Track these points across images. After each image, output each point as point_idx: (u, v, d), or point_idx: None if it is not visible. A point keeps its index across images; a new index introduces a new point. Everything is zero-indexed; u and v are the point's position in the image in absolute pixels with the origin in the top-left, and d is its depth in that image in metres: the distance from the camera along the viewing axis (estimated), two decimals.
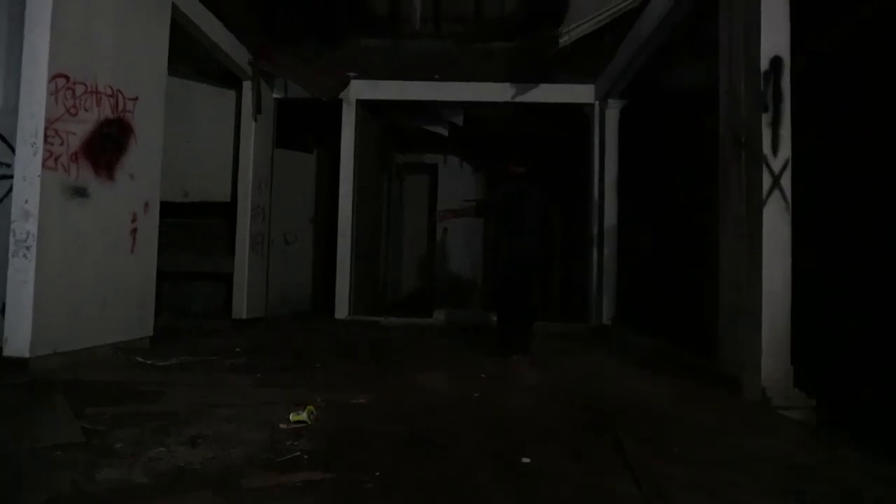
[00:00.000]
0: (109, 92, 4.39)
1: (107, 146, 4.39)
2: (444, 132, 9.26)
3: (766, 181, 3.66)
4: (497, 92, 7.64)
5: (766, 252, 3.61)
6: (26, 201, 3.76)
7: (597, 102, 7.69)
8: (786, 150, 3.68)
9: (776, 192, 3.66)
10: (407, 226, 11.88)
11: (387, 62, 7.53)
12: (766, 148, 3.67)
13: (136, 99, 4.68)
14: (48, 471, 2.11)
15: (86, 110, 4.15)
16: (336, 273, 7.77)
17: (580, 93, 7.69)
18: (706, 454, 2.59)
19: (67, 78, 3.95)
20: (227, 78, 7.34)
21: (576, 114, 8.05)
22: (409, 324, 7.47)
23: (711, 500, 2.07)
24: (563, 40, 5.40)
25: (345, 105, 7.73)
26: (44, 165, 3.78)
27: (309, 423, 2.80)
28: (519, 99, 7.61)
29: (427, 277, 11.74)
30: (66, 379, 3.55)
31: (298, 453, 2.38)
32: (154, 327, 5.06)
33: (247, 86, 7.22)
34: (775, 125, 3.68)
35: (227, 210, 7.39)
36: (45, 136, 3.80)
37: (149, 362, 4.24)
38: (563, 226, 9.08)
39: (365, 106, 8.02)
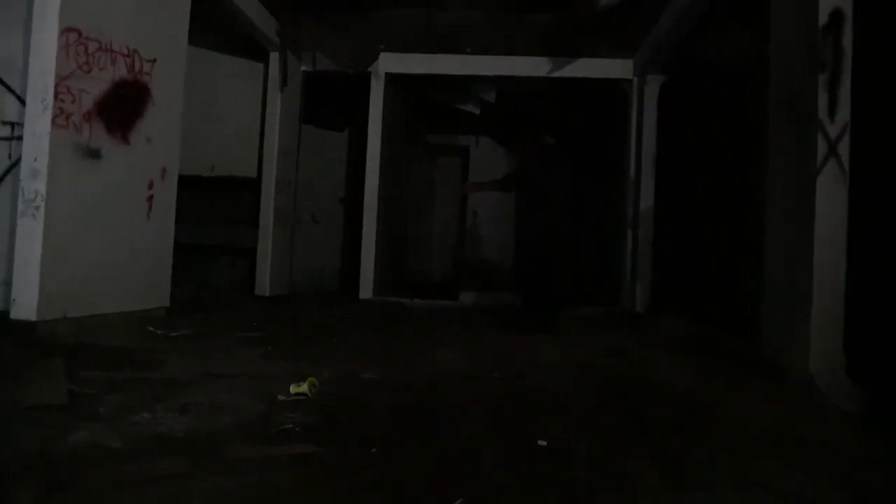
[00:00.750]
0: (125, 52, 4.25)
1: (122, 108, 4.26)
2: (476, 111, 8.97)
3: (822, 148, 3.30)
4: (531, 66, 7.32)
5: (818, 225, 3.26)
6: (35, 159, 3.65)
7: (635, 78, 7.30)
8: (844, 115, 3.31)
9: (832, 161, 3.31)
10: (438, 209, 11.64)
11: (417, 34, 7.29)
12: (822, 112, 3.31)
13: (153, 61, 4.55)
14: (19, 431, 1.96)
15: (100, 69, 4.02)
16: (361, 255, 7.60)
17: (618, 68, 7.31)
18: (739, 438, 2.31)
19: (79, 33, 3.82)
20: (254, 50, 7.21)
21: (612, 91, 7.68)
22: (435, 306, 7.26)
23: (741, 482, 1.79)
24: (603, 3, 5.05)
25: (373, 78, 7.51)
26: (54, 123, 3.66)
27: (310, 395, 2.61)
28: (554, 74, 7.28)
29: (456, 262, 11.50)
30: (71, 343, 3.44)
31: (291, 425, 2.19)
32: (172, 299, 4.95)
33: (274, 57, 7.06)
34: (833, 87, 3.31)
35: (254, 185, 7.28)
36: (56, 93, 3.67)
37: (159, 332, 4.13)
38: (595, 207, 8.72)
39: (394, 80, 7.78)
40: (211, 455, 1.85)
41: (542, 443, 2.12)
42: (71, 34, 3.76)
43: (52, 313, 3.70)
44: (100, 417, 2.16)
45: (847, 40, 3.31)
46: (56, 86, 3.68)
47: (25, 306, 3.60)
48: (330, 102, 8.66)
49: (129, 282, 4.41)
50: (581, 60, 7.24)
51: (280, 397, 2.55)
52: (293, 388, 2.63)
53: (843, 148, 3.31)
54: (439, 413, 2.54)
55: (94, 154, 4.01)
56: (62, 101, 3.72)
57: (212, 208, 7.40)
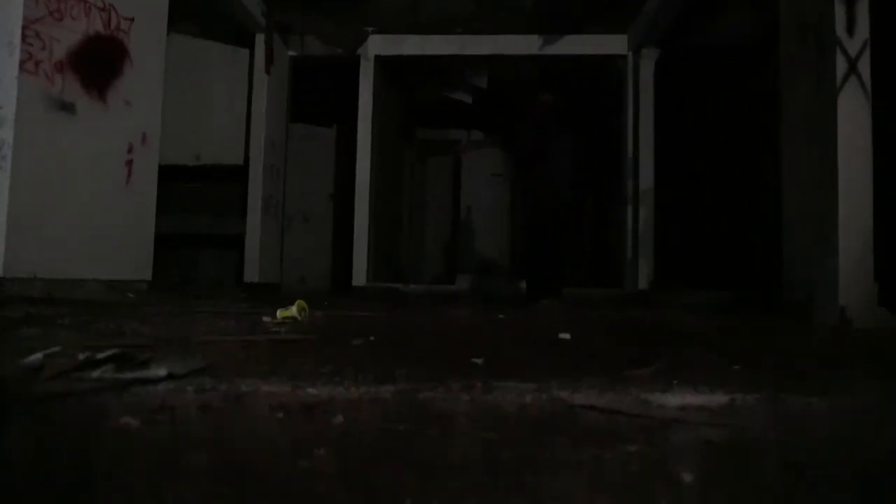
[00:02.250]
0: (101, 5, 4.04)
1: (98, 64, 4.04)
2: (468, 99, 8.82)
3: (841, 66, 3.11)
4: (522, 45, 7.18)
5: (841, 148, 3.06)
6: (1, 106, 3.41)
7: (630, 53, 7.16)
8: (863, 31, 3.13)
9: (853, 79, 3.12)
10: (430, 205, 11.43)
11: (406, 15, 7.14)
12: (840, 29, 3.13)
13: (132, 20, 4.33)
14: None
15: (73, 18, 3.80)
16: (354, 240, 7.36)
17: (612, 44, 7.17)
18: (763, 347, 2.06)
19: None
20: (240, 35, 7.03)
21: (607, 69, 7.54)
22: (431, 290, 7.01)
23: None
24: None
25: (363, 61, 7.34)
26: (21, 68, 3.43)
27: (299, 318, 2.35)
28: (546, 51, 7.13)
29: (451, 259, 11.25)
30: (40, 297, 3.17)
31: (275, 330, 1.93)
32: (157, 280, 4.69)
33: (259, 39, 6.88)
34: (850, 2, 3.14)
35: (241, 172, 7.05)
36: (24, 36, 3.45)
37: (135, 296, 3.86)
38: (595, 187, 8.53)
39: (384, 66, 7.61)
40: (182, 339, 1.58)
41: (565, 336, 1.87)
42: None
43: (21, 271, 3.42)
44: (64, 326, 1.89)
45: None
46: (24, 28, 3.45)
47: None
48: (318, 96, 8.49)
49: (107, 248, 4.13)
50: (572, 37, 7.11)
51: (265, 318, 2.29)
52: (280, 313, 2.37)
53: (864, 65, 3.12)
54: (433, 331, 2.28)
55: (67, 108, 3.77)
56: (30, 45, 3.50)
57: (198, 198, 7.15)
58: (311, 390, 1.02)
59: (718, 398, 1.04)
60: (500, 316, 3.11)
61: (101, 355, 1.12)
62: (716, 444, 0.76)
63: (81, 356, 1.11)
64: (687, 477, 0.63)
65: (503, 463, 0.66)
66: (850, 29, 3.13)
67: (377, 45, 7.33)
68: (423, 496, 0.57)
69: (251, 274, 6.69)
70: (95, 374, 1.02)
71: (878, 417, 0.95)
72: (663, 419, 0.87)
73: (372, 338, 1.80)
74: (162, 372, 1.07)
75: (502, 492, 0.59)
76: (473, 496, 0.58)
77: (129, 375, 1.04)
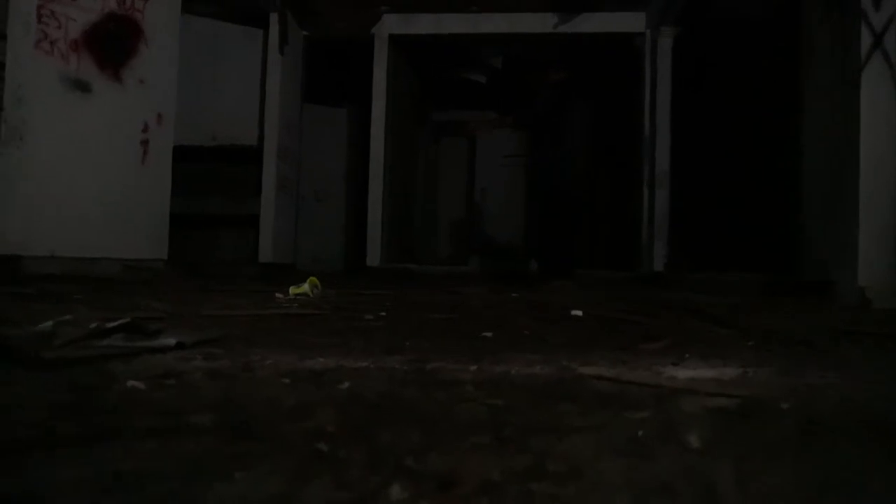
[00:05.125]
0: None
1: (112, 42, 4.04)
2: (482, 79, 8.74)
3: (866, 40, 3.03)
4: (538, 23, 7.07)
5: (864, 123, 2.99)
6: (19, 86, 3.43)
7: (648, 31, 7.02)
8: (891, 4, 3.04)
9: (878, 54, 3.03)
10: (443, 186, 11.38)
11: None
12: (866, 2, 3.04)
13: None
14: None
15: None
16: (367, 221, 7.37)
17: (629, 21, 7.03)
18: (778, 324, 2.03)
19: None
20: (253, 15, 7.01)
21: (625, 48, 7.40)
22: (444, 271, 7.00)
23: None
24: None
25: (377, 41, 7.28)
26: (37, 47, 3.45)
27: (311, 295, 2.36)
28: (562, 29, 7.01)
29: (464, 242, 11.22)
30: (53, 275, 3.20)
31: (286, 305, 1.93)
32: (174, 260, 4.73)
33: (273, 18, 6.84)
34: None
35: (255, 153, 7.07)
36: (39, 16, 3.46)
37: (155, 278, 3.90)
38: (610, 168, 8.44)
39: (398, 45, 7.55)
40: (194, 313, 1.59)
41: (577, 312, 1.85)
42: None
43: (39, 249, 3.46)
44: (79, 301, 1.91)
45: None
46: (39, 8, 3.46)
47: (10, 239, 3.37)
48: (332, 76, 8.45)
49: (124, 227, 4.17)
50: (589, 14, 6.98)
51: (278, 295, 2.30)
52: (293, 290, 2.38)
53: (891, 39, 3.03)
54: (445, 308, 2.28)
55: (82, 87, 3.78)
56: (45, 24, 3.51)
57: (214, 178, 7.18)
58: (319, 359, 1.02)
59: (731, 371, 1.02)
60: (513, 295, 3.10)
61: (111, 324, 1.13)
62: (727, 410, 0.75)
63: (92, 325, 1.12)
64: (695, 442, 0.62)
65: (509, 426, 0.65)
66: (877, 1, 3.04)
67: (391, 24, 7.27)
68: (426, 455, 0.57)
69: (266, 254, 6.73)
70: (105, 342, 1.03)
71: (886, 384, 0.94)
72: (673, 388, 0.85)
73: (383, 313, 1.80)
74: (171, 341, 1.08)
75: (507, 452, 0.59)
76: (477, 456, 0.58)
77: (138, 344, 1.05)
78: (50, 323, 1.05)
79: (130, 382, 0.76)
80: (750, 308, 2.73)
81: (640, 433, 0.64)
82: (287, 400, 0.72)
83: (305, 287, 2.37)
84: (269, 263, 6.63)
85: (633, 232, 7.21)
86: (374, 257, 7.17)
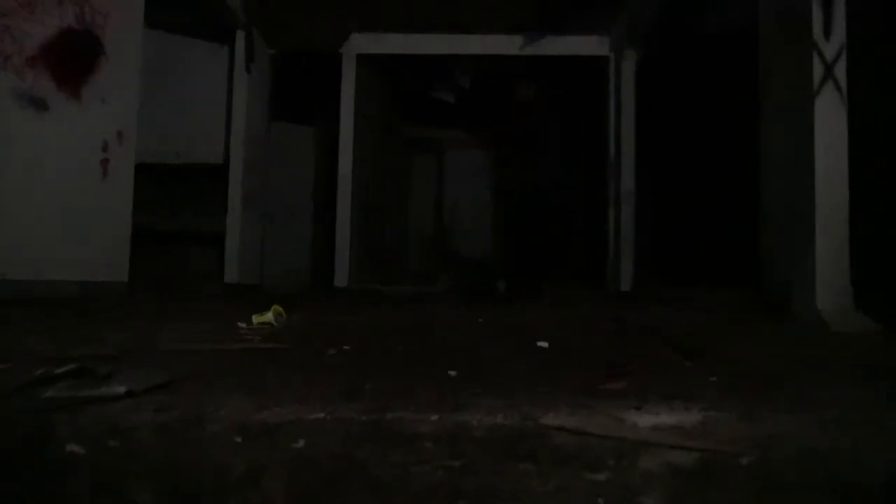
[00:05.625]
0: None
1: (71, 59, 3.95)
2: (451, 98, 8.79)
3: (818, 70, 3.13)
4: (506, 44, 7.16)
5: (818, 150, 3.08)
6: None
7: (612, 54, 7.17)
8: (840, 35, 3.15)
9: (829, 84, 3.13)
10: (414, 203, 11.37)
11: (391, 15, 7.08)
12: (818, 33, 3.15)
13: (107, 14, 4.24)
14: None
15: (44, 11, 3.71)
16: (335, 240, 7.31)
17: (594, 44, 7.18)
18: (740, 352, 2.06)
19: None
20: (219, 32, 6.93)
21: (588, 69, 7.54)
22: (413, 291, 6.98)
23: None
24: None
25: (345, 59, 7.28)
26: None
27: (275, 323, 2.31)
28: (528, 51, 7.11)
29: (434, 260, 11.20)
30: (6, 299, 3.08)
31: (249, 337, 1.89)
32: (139, 280, 4.61)
33: (239, 36, 6.79)
34: (827, 5, 3.15)
35: (221, 171, 6.96)
36: None
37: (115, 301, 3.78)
38: (576, 188, 8.54)
39: (367, 63, 7.55)
40: (140, 351, 1.54)
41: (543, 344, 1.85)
42: None
43: None
44: (32, 332, 1.83)
45: None
46: None
47: None
48: (300, 93, 8.40)
49: (82, 249, 4.05)
50: (554, 37, 7.10)
51: (240, 324, 2.24)
52: (256, 318, 2.32)
53: (841, 70, 3.14)
54: (410, 337, 2.25)
55: (38, 104, 3.68)
56: (0, 39, 3.41)
57: (180, 196, 7.06)
58: (276, 408, 0.99)
59: (692, 417, 1.02)
60: (480, 319, 3.09)
61: (58, 370, 1.08)
62: (686, 468, 0.75)
63: (37, 372, 1.07)
64: None
65: (465, 496, 0.63)
66: (827, 32, 3.15)
67: (360, 42, 7.27)
68: None
69: (231, 273, 6.61)
70: (49, 392, 0.98)
71: (850, 429, 0.95)
72: (634, 441, 0.85)
73: (346, 347, 1.77)
74: (121, 389, 1.03)
75: None
76: None
77: (85, 393, 1.00)
78: None
79: (70, 447, 0.72)
80: (713, 332, 2.77)
81: (599, 501, 0.63)
82: (236, 465, 0.69)
83: (269, 316, 2.32)
84: (234, 284, 6.52)
85: (602, 249, 7.30)
86: (342, 277, 7.11)
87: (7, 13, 3.43)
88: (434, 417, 0.96)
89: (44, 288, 3.68)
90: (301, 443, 0.79)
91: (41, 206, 3.72)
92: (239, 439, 0.81)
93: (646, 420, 0.98)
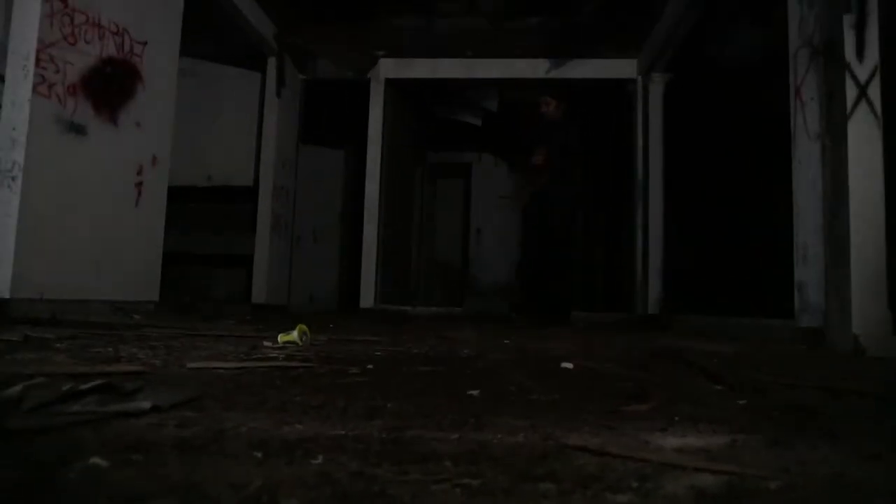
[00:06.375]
0: (115, 29, 4.11)
1: (110, 86, 4.10)
2: (478, 122, 8.86)
3: (851, 92, 3.08)
4: (531, 68, 7.23)
5: (852, 172, 3.02)
6: (14, 128, 3.46)
7: (639, 77, 7.18)
8: (873, 56, 3.11)
9: (863, 105, 3.08)
10: (440, 227, 11.42)
11: (418, 41, 7.21)
12: (850, 54, 3.11)
13: (145, 44, 4.41)
14: None
15: (86, 42, 3.87)
16: (362, 263, 7.36)
17: (621, 68, 7.20)
18: (772, 377, 2.00)
19: (65, 2, 3.68)
20: (252, 58, 7.13)
21: (616, 92, 7.55)
22: (438, 313, 6.97)
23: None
24: None
25: (373, 84, 7.41)
26: (35, 91, 3.49)
27: (300, 343, 2.33)
28: (555, 75, 7.16)
29: (460, 283, 11.20)
30: (41, 318, 3.17)
31: (273, 356, 1.90)
32: (167, 300, 4.71)
33: (271, 62, 6.97)
34: (860, 27, 3.11)
35: (251, 193, 7.11)
36: (38, 60, 3.51)
37: (139, 317, 3.86)
38: (604, 211, 8.48)
39: (394, 88, 7.68)
40: (167, 368, 1.56)
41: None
42: (56, 2, 3.62)
43: (28, 292, 3.44)
44: (62, 350, 1.88)
45: None
46: (38, 52, 3.51)
47: None
48: (329, 119, 8.56)
49: (115, 269, 4.16)
50: (582, 61, 7.14)
51: (265, 343, 2.26)
52: (282, 337, 2.35)
53: (874, 91, 3.09)
54: (435, 358, 2.24)
55: (78, 129, 3.82)
56: (44, 69, 3.56)
57: (210, 218, 7.22)
58: (297, 426, 0.99)
59: (719, 439, 1.00)
60: (506, 341, 3.07)
61: (85, 386, 1.10)
62: (712, 491, 0.72)
63: (65, 388, 1.09)
64: None
65: None
66: (860, 54, 3.10)
67: (388, 68, 7.41)
68: None
69: (259, 294, 6.70)
70: (76, 407, 1.00)
71: (885, 457, 0.91)
72: (659, 463, 0.83)
73: (370, 366, 1.77)
74: (146, 405, 1.05)
75: None
76: None
77: (111, 408, 1.02)
78: (19, 387, 1.02)
79: (93, 459, 0.73)
80: (743, 357, 2.71)
81: None
82: (253, 481, 0.69)
83: (294, 335, 2.34)
84: (261, 305, 6.59)
85: (629, 274, 7.22)
86: (367, 299, 7.15)
87: (52, 44, 3.59)
88: (454, 436, 0.95)
89: (78, 307, 3.77)
90: (319, 459, 0.79)
91: (78, 229, 3.84)
92: (258, 454, 0.81)
93: (671, 442, 0.96)
